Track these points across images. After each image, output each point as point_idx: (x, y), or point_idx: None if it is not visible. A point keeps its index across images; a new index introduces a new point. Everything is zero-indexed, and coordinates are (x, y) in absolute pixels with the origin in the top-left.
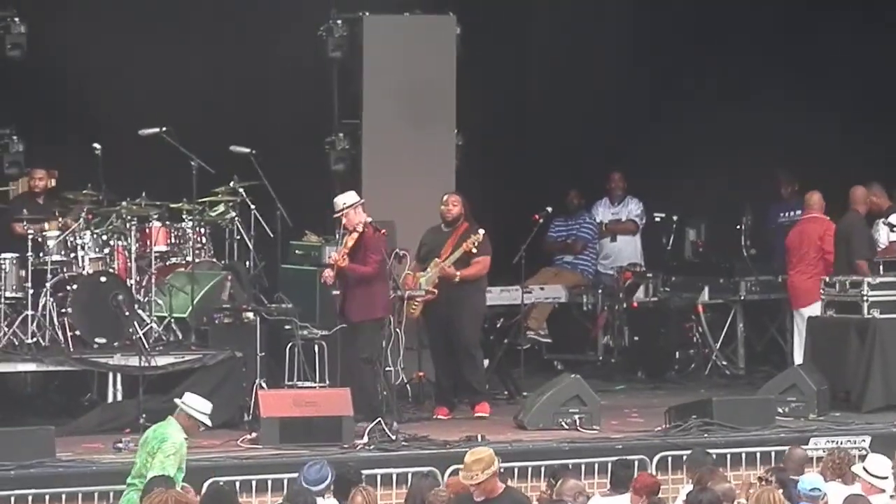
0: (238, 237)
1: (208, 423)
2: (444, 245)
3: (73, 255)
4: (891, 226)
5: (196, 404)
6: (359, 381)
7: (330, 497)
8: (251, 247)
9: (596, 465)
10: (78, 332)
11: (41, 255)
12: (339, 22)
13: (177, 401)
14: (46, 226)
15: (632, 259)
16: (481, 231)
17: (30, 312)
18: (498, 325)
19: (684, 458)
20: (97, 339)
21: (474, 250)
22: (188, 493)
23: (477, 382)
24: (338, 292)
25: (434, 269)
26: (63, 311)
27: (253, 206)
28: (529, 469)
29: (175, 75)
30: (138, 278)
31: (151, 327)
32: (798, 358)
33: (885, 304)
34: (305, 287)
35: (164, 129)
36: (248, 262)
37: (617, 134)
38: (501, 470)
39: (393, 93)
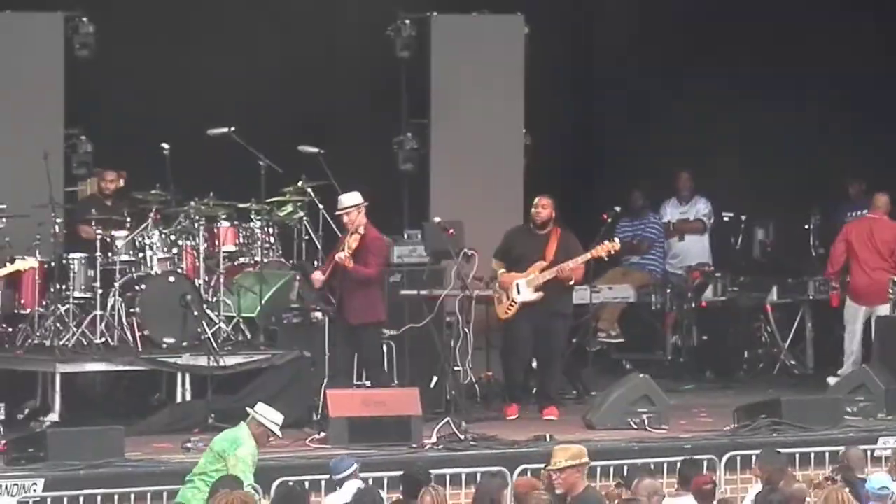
0: (306, 237)
1: (279, 433)
2: (541, 248)
3: (141, 255)
4: None
5: (268, 414)
6: (379, 384)
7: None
8: (319, 246)
9: (665, 465)
10: (146, 332)
11: (110, 255)
12: (408, 22)
13: (249, 409)
14: (115, 233)
15: (700, 258)
16: (617, 240)
17: (98, 312)
18: None
19: (753, 457)
20: (166, 339)
21: (605, 258)
22: (256, 495)
23: (554, 391)
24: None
25: (542, 273)
26: (132, 311)
27: (321, 206)
28: (598, 469)
29: (243, 74)
30: (207, 278)
31: (220, 327)
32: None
33: None
34: None
35: (232, 128)
36: (316, 262)
37: (685, 133)
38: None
39: (461, 92)
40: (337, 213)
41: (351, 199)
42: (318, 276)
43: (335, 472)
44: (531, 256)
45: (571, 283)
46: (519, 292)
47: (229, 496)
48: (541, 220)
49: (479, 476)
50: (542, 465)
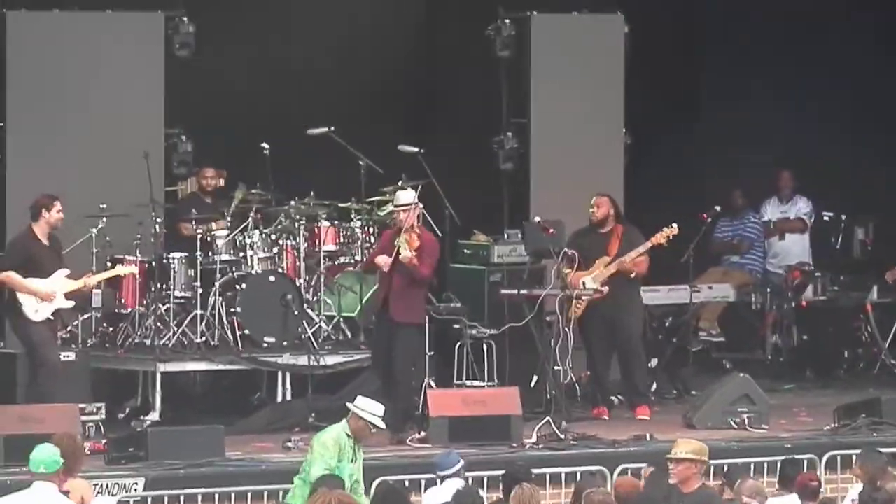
0: None
1: (381, 424)
2: (605, 246)
3: (241, 254)
4: None
5: (367, 406)
6: (404, 384)
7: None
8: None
9: (765, 465)
10: (247, 332)
11: (210, 254)
12: (507, 21)
13: (348, 404)
14: (214, 225)
15: (800, 258)
16: (675, 225)
17: (199, 312)
18: (666, 325)
19: (854, 457)
20: (266, 339)
21: (664, 244)
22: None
23: (642, 384)
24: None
25: (606, 268)
26: (232, 310)
27: (421, 206)
28: None
29: (342, 73)
30: (307, 278)
31: (320, 326)
32: None
33: None
34: (474, 286)
35: (331, 128)
36: None
37: (787, 132)
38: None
39: (561, 92)
40: (395, 208)
41: (409, 196)
42: (385, 259)
43: (440, 468)
44: (595, 255)
45: (633, 276)
46: (585, 288)
47: (327, 496)
48: (597, 219)
49: (578, 475)
50: (643, 465)
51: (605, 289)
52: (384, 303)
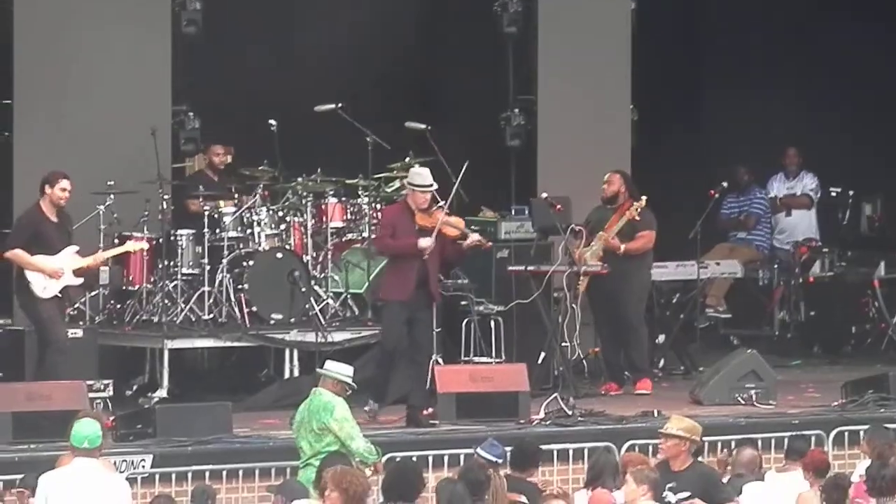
0: None
1: (353, 384)
2: (608, 220)
3: (249, 231)
4: None
5: (340, 369)
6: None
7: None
8: None
9: (772, 441)
10: (254, 308)
11: (217, 231)
12: None
13: (319, 370)
14: (222, 203)
15: (807, 234)
16: (643, 198)
17: (206, 289)
18: (674, 301)
19: (861, 433)
20: (273, 315)
21: (636, 217)
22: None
23: (639, 359)
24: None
25: (598, 243)
26: (239, 287)
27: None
28: (706, 444)
29: (349, 50)
30: (314, 254)
31: (328, 303)
32: None
33: None
34: (481, 263)
35: (339, 105)
36: None
37: (793, 108)
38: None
39: (568, 68)
40: (420, 188)
41: (429, 175)
42: (430, 242)
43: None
44: (598, 230)
45: (622, 251)
46: (586, 264)
47: (335, 471)
48: (606, 195)
49: (586, 452)
50: (652, 441)
51: (604, 265)
52: (423, 284)
